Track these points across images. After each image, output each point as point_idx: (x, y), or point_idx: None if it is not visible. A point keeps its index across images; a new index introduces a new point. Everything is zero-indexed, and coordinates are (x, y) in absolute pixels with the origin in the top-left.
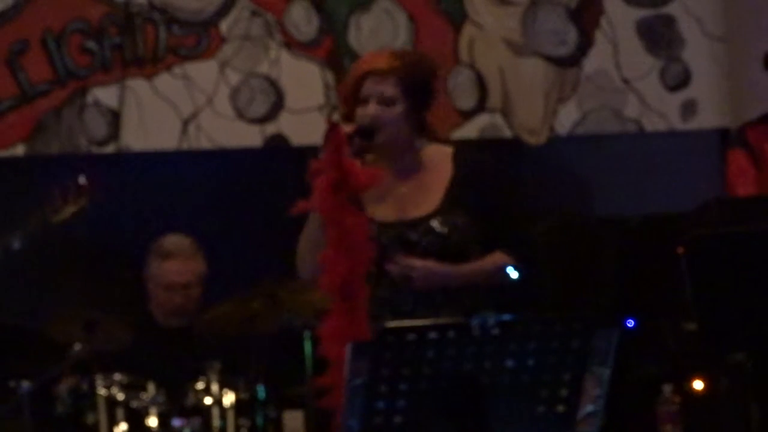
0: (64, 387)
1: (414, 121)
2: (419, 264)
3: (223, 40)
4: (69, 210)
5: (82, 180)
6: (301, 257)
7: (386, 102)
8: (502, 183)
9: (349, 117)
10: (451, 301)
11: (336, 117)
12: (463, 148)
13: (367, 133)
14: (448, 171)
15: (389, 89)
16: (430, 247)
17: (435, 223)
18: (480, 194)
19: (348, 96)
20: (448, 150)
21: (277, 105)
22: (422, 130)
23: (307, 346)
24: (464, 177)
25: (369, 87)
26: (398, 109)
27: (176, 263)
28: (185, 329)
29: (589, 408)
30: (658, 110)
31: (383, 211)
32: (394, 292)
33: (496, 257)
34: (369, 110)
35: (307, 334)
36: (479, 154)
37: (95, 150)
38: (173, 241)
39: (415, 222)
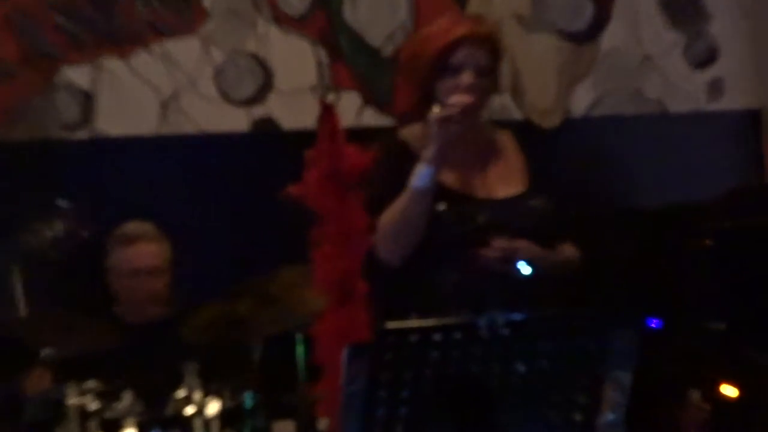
0: (32, 395)
1: (492, 96)
2: (525, 245)
3: (206, 14)
4: (44, 236)
5: (62, 203)
6: (386, 237)
7: (483, 72)
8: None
9: (426, 89)
10: (551, 291)
11: (331, 98)
12: (518, 132)
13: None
14: (518, 153)
15: (485, 58)
16: (524, 230)
17: (534, 203)
18: (549, 183)
19: (428, 66)
20: (505, 130)
21: (266, 86)
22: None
23: (300, 350)
24: (536, 162)
25: (464, 54)
26: (490, 80)
27: (141, 247)
28: (157, 325)
29: (608, 416)
30: (682, 89)
31: (467, 189)
32: (476, 279)
33: (568, 250)
34: (466, 79)
35: (299, 336)
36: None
37: (67, 136)
38: (135, 225)
39: (508, 201)
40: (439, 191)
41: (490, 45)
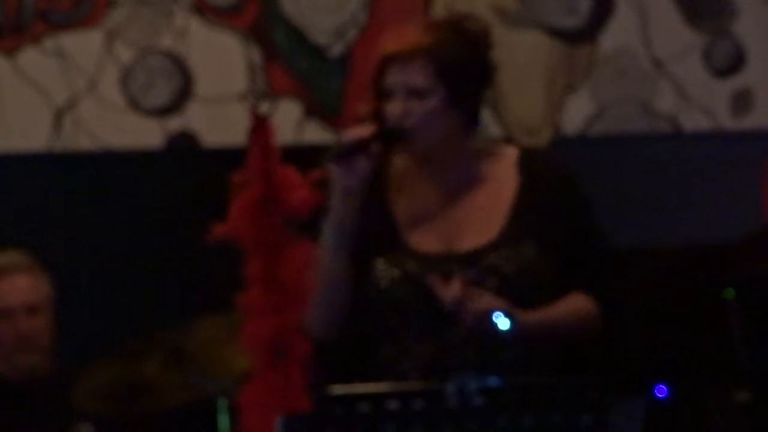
0: None
1: (460, 114)
2: (484, 300)
3: (110, 2)
4: None
5: None
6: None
7: (416, 94)
8: (579, 199)
9: (377, 116)
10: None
11: (264, 107)
12: (531, 152)
13: (390, 137)
14: (513, 182)
15: (418, 77)
16: (492, 291)
17: (498, 259)
18: (552, 214)
19: (372, 89)
20: (512, 153)
21: (184, 92)
22: (473, 125)
23: (223, 420)
24: (532, 190)
25: (393, 76)
26: (433, 101)
27: (13, 280)
28: (38, 385)
29: None
30: (700, 103)
31: (425, 240)
32: (438, 346)
33: (576, 302)
34: (392, 107)
35: (222, 403)
36: (552, 158)
37: None
38: (5, 256)
39: (469, 256)
40: (377, 244)
41: (422, 60)
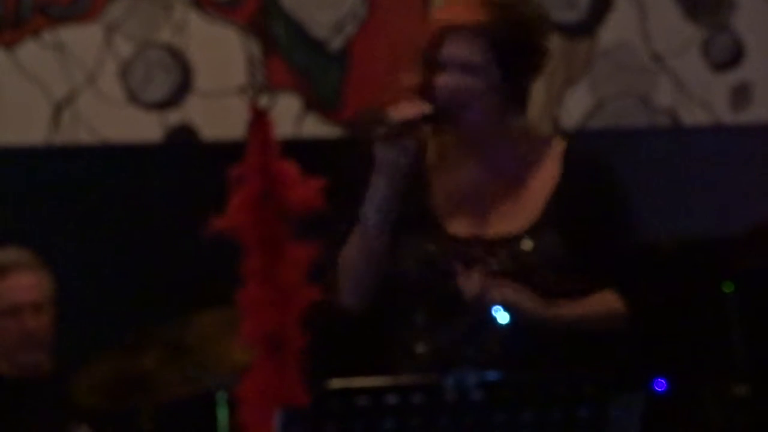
0: None
1: (508, 97)
2: (506, 291)
3: None
4: None
5: None
6: (342, 279)
7: (470, 70)
8: (618, 200)
9: (425, 89)
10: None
11: (264, 101)
12: (578, 145)
13: (441, 117)
14: (554, 174)
15: (474, 53)
16: (510, 276)
17: (526, 246)
18: (587, 211)
19: (423, 60)
20: (559, 144)
21: (183, 86)
22: (520, 111)
23: (222, 413)
24: (572, 184)
25: (448, 49)
26: (485, 79)
27: (15, 278)
28: (38, 382)
29: None
30: (699, 97)
31: (458, 221)
32: (450, 331)
33: (606, 300)
34: (444, 80)
35: (221, 396)
36: (596, 155)
37: None
38: (7, 253)
39: (495, 242)
40: (408, 221)
41: (481, 36)
